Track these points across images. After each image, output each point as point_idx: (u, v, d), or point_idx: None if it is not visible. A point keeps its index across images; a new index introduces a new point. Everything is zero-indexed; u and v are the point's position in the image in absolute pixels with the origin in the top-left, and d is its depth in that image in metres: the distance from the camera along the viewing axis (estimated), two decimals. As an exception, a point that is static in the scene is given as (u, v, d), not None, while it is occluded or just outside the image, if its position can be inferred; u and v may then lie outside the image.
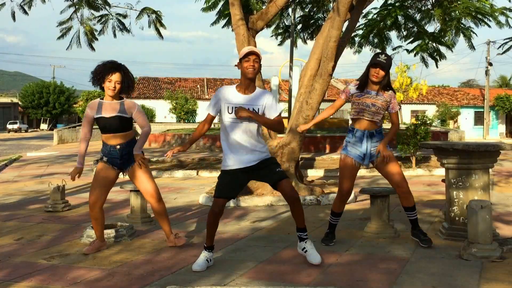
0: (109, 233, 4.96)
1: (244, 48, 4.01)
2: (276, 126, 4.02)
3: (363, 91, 4.53)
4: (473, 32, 9.09)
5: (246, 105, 3.92)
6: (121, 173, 4.71)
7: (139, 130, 4.74)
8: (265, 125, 3.97)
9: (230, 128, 3.95)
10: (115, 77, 4.47)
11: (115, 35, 10.91)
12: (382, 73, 4.42)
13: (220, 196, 3.97)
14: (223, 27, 10.24)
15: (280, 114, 4.03)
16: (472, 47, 9.44)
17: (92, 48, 10.85)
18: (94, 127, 4.75)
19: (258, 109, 3.95)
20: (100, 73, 4.48)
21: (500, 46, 9.77)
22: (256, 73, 3.95)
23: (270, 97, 4.04)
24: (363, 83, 4.54)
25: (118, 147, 4.57)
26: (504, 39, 9.40)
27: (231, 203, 6.91)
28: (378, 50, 10.17)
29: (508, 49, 9.07)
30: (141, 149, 4.65)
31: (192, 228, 5.59)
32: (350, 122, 4.72)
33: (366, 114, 4.50)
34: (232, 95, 3.97)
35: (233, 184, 4.00)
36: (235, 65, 4.04)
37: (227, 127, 3.97)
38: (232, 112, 3.92)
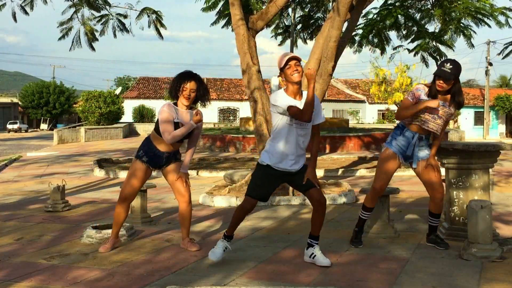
0: (109, 233, 4.95)
1: (280, 56, 3.94)
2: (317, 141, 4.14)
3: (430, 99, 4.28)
4: (473, 31, 9.10)
5: None
6: (154, 170, 4.71)
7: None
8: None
9: (289, 131, 3.91)
10: (191, 85, 4.41)
11: (115, 35, 10.92)
12: (445, 85, 4.18)
13: (256, 197, 4.01)
14: (223, 27, 10.25)
15: (320, 122, 4.07)
16: (471, 45, 9.44)
17: (93, 48, 10.86)
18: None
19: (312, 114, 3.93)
20: (177, 82, 4.45)
21: (500, 52, 9.79)
22: (302, 76, 3.92)
23: (319, 103, 4.07)
24: (434, 92, 4.27)
25: (166, 154, 4.56)
26: (505, 44, 9.42)
27: (232, 203, 6.91)
28: (378, 50, 10.16)
29: (508, 54, 9.09)
30: (188, 167, 4.65)
31: (192, 228, 5.58)
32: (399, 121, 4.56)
33: (430, 125, 4.32)
34: (289, 100, 3.89)
35: (270, 186, 4.03)
36: (278, 76, 4.02)
37: (285, 130, 3.92)
38: (292, 119, 3.88)
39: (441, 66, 4.19)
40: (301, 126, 3.92)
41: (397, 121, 4.58)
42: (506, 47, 9.45)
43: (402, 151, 4.44)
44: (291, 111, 3.82)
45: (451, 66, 4.14)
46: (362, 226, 4.70)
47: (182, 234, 4.72)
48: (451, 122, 44.01)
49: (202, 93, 4.51)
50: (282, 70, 3.91)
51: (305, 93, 3.97)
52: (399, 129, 4.48)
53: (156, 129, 4.51)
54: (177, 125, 4.43)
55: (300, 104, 3.88)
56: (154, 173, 4.90)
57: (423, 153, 4.43)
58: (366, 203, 4.65)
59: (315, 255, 4.03)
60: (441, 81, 4.18)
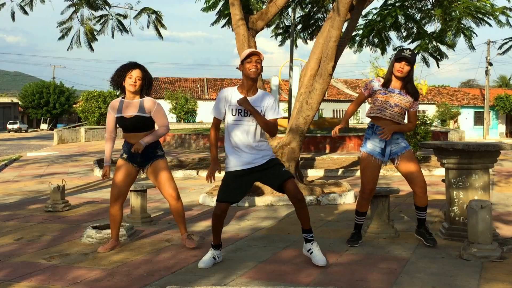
0: (109, 233, 4.95)
1: (245, 50, 4.01)
2: (271, 128, 3.97)
3: (387, 89, 4.46)
4: (474, 33, 9.10)
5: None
6: (140, 171, 4.72)
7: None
8: (260, 123, 3.93)
9: (233, 129, 3.96)
10: (136, 73, 4.48)
11: (113, 35, 10.90)
12: (407, 68, 4.36)
13: (222, 200, 3.97)
14: (223, 27, 10.24)
15: (276, 118, 4.02)
16: (472, 47, 9.44)
17: (92, 49, 10.85)
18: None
19: (260, 110, 3.96)
20: (120, 71, 4.49)
21: (500, 47, 9.77)
22: (259, 74, 3.96)
23: (272, 99, 4.04)
24: (388, 79, 4.46)
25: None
26: (504, 39, 9.40)
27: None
28: (378, 50, 10.18)
29: (508, 50, 9.08)
30: (146, 143, 4.52)
31: (192, 228, 5.58)
32: (369, 120, 4.65)
33: (387, 113, 4.44)
34: (235, 96, 3.97)
35: (237, 187, 3.99)
36: (237, 68, 4.04)
37: (230, 128, 3.98)
38: (235, 114, 3.94)
39: (401, 52, 4.39)
40: (243, 120, 3.93)
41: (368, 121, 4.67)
42: (505, 43, 9.43)
43: (379, 149, 4.50)
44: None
45: (410, 53, 4.37)
46: (359, 229, 4.73)
47: (181, 231, 4.74)
48: (451, 122, 44.11)
49: (147, 83, 4.58)
50: (242, 62, 3.94)
51: (259, 91, 4.03)
52: (370, 129, 4.57)
53: (121, 127, 4.62)
54: (120, 119, 4.53)
55: (252, 100, 3.93)
56: (143, 174, 4.89)
57: (399, 146, 4.49)
58: (359, 208, 4.69)
59: (312, 252, 4.01)
60: (403, 64, 4.35)
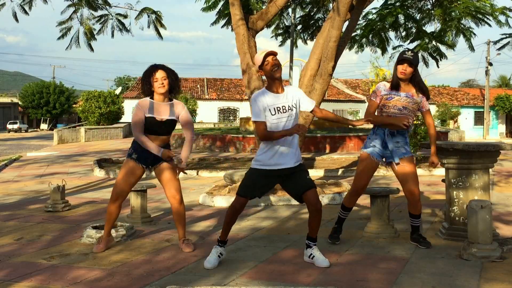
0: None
1: (257, 54, 3.99)
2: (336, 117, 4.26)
3: (394, 92, 4.44)
4: (473, 33, 9.10)
5: (287, 102, 3.94)
6: (147, 170, 4.68)
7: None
8: (338, 121, 4.25)
9: (275, 128, 3.93)
10: (159, 73, 4.43)
11: (113, 35, 10.89)
12: (410, 69, 4.36)
13: (246, 195, 3.99)
14: (223, 27, 10.23)
15: (313, 109, 4.08)
16: (471, 47, 9.44)
17: (91, 49, 10.84)
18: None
19: (296, 102, 3.99)
20: (145, 80, 4.45)
21: (496, 42, 9.75)
22: (281, 71, 3.95)
23: (301, 91, 4.12)
24: (395, 83, 4.44)
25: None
26: (501, 34, 9.39)
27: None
28: (378, 50, 10.18)
29: (504, 46, 9.07)
30: (188, 159, 4.55)
31: (192, 228, 5.58)
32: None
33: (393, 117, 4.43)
34: (270, 97, 3.94)
35: (262, 184, 4.02)
36: (257, 71, 4.05)
37: (272, 128, 3.94)
38: (275, 114, 3.91)
39: (403, 54, 4.39)
40: (283, 117, 3.92)
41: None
42: (502, 38, 9.42)
43: (378, 150, 4.52)
44: (255, 124, 3.96)
45: (412, 54, 4.37)
46: (341, 224, 4.81)
47: (179, 235, 4.71)
48: (451, 122, 44.12)
49: (174, 78, 4.53)
50: (261, 67, 3.94)
51: (286, 86, 4.04)
52: (373, 129, 4.61)
53: (146, 128, 4.51)
54: (149, 120, 4.42)
55: (282, 96, 3.94)
56: (150, 174, 4.87)
57: (400, 151, 4.50)
58: (346, 203, 4.76)
59: (313, 256, 4.04)
60: (405, 66, 4.34)
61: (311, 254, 4.06)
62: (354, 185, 4.67)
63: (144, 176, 4.91)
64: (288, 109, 3.94)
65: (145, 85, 4.47)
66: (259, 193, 4.06)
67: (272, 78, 3.92)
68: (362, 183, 4.60)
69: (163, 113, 4.46)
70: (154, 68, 4.47)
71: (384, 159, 4.56)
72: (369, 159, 4.53)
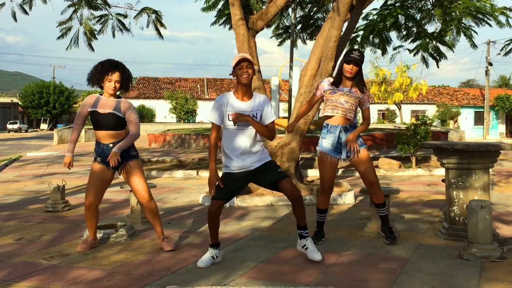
0: (109, 233, 4.96)
1: (235, 56, 4.06)
2: (269, 133, 4.06)
3: (337, 88, 4.61)
4: (474, 31, 9.09)
5: (246, 111, 4.00)
6: (116, 172, 4.72)
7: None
8: (258, 131, 4.02)
9: (233, 133, 4.02)
10: (115, 76, 4.49)
11: (114, 35, 10.89)
12: (355, 68, 4.52)
13: (218, 198, 4.05)
14: (222, 25, 10.23)
15: (273, 121, 4.10)
16: (474, 45, 9.43)
17: (92, 49, 10.84)
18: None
19: (257, 113, 4.04)
20: (99, 73, 4.49)
21: (502, 48, 9.78)
22: (251, 79, 4.01)
23: (267, 103, 4.13)
24: (338, 79, 4.62)
25: (110, 145, 4.56)
26: (506, 41, 9.40)
27: (232, 203, 6.91)
28: (378, 51, 10.19)
29: (509, 52, 9.08)
30: (121, 149, 4.49)
31: (192, 228, 5.59)
32: (320, 117, 4.79)
33: (339, 111, 4.58)
34: (232, 102, 4.03)
35: (232, 187, 4.08)
36: (230, 74, 4.11)
37: (229, 132, 4.04)
38: (232, 120, 3.98)
39: (350, 53, 4.54)
40: (240, 125, 4.00)
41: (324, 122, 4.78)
42: (507, 44, 9.43)
43: (334, 147, 4.63)
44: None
45: (359, 54, 4.53)
46: (321, 227, 4.88)
47: (157, 233, 4.71)
48: (451, 122, 44.11)
49: (126, 82, 4.59)
50: (234, 69, 4.01)
51: (254, 94, 4.10)
52: (325, 128, 4.71)
53: (93, 123, 4.60)
54: (93, 114, 4.53)
55: (246, 105, 4.01)
56: (119, 176, 4.89)
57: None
58: (319, 205, 4.85)
59: (307, 247, 4.09)
60: (352, 66, 4.50)
61: (305, 245, 4.11)
62: (321, 186, 4.78)
63: (120, 177, 4.93)
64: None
65: (97, 79, 4.51)
66: (231, 195, 4.13)
67: (240, 83, 3.99)
68: (327, 183, 4.71)
69: (106, 108, 4.52)
70: (112, 68, 4.50)
71: (341, 155, 4.64)
72: (327, 158, 4.64)
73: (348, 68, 4.52)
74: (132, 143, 4.62)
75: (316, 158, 13.80)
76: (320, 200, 4.83)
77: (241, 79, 3.96)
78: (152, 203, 4.68)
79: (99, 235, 4.91)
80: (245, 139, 4.01)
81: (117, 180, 10.32)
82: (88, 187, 4.63)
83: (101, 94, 4.62)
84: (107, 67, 4.49)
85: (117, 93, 4.62)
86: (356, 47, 10.19)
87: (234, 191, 4.12)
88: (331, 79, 4.69)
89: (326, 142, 4.65)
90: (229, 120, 4.00)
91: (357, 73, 4.56)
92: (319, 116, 4.83)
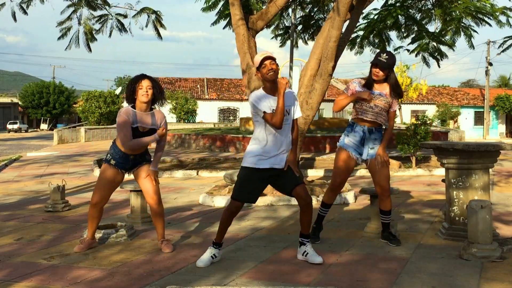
0: (109, 233, 4.96)
1: (256, 56, 4.08)
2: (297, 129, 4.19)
3: (369, 90, 4.51)
4: (474, 31, 9.09)
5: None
6: (126, 173, 4.73)
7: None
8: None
9: (271, 130, 3.99)
10: (145, 82, 4.45)
11: (110, 35, 10.88)
12: (381, 73, 4.43)
13: (241, 199, 4.05)
14: (224, 27, 10.23)
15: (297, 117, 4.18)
16: (472, 46, 9.43)
17: (90, 49, 10.83)
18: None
19: (289, 108, 4.06)
20: (131, 85, 4.47)
21: (500, 46, 9.77)
22: (277, 75, 4.01)
23: (296, 99, 4.19)
24: (369, 82, 4.53)
25: (132, 157, 4.58)
26: (504, 38, 9.39)
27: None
28: (378, 51, 10.17)
29: (507, 48, 9.07)
30: (158, 165, 4.66)
31: (192, 228, 5.59)
32: (350, 118, 4.74)
33: (368, 115, 4.51)
34: (265, 98, 4.00)
35: (257, 187, 4.07)
36: (255, 75, 4.11)
37: (267, 129, 4.00)
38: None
39: (378, 56, 4.45)
40: (285, 124, 3.99)
41: (350, 119, 4.68)
42: (505, 41, 9.43)
43: (356, 147, 4.58)
44: (265, 118, 3.95)
45: (387, 57, 4.42)
46: (320, 222, 4.85)
47: (158, 235, 4.71)
48: (451, 122, 44.10)
49: (159, 91, 4.56)
50: (258, 69, 4.01)
51: (286, 91, 4.07)
52: (350, 126, 4.66)
53: None
54: (135, 130, 4.45)
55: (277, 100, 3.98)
56: (129, 176, 4.90)
57: (376, 149, 4.56)
58: (326, 200, 4.81)
59: (307, 253, 4.10)
60: (377, 70, 4.41)
61: (305, 251, 4.12)
62: (332, 181, 4.73)
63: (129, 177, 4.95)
64: (285, 113, 4.00)
65: (129, 92, 4.49)
66: (253, 196, 4.10)
67: (268, 80, 3.99)
68: (340, 179, 4.67)
69: (145, 123, 4.50)
70: (141, 77, 4.51)
71: (360, 155, 4.60)
72: (347, 156, 4.59)
73: (375, 71, 4.44)
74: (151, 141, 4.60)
75: (316, 158, 13.79)
76: (328, 195, 4.78)
77: (268, 77, 3.95)
78: (161, 206, 4.68)
79: (98, 235, 4.91)
80: (282, 136, 4.00)
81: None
82: (97, 188, 4.63)
83: (132, 107, 4.49)
84: (136, 77, 4.50)
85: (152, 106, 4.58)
86: (356, 47, 10.20)
87: (256, 191, 4.09)
88: (362, 81, 4.59)
89: (348, 139, 4.59)
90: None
91: (387, 76, 4.46)
92: (351, 119, 4.72)
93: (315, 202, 7.00)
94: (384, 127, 4.61)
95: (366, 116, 4.51)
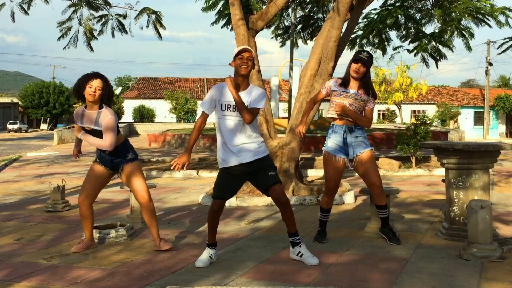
0: (109, 233, 4.96)
1: (237, 47, 4.05)
2: (248, 111, 3.89)
3: (344, 89, 4.58)
4: (471, 34, 9.10)
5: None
6: (115, 174, 4.75)
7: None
8: (237, 104, 3.88)
9: (224, 125, 3.98)
10: (96, 82, 4.44)
11: (113, 35, 10.89)
12: (363, 69, 4.50)
13: (218, 197, 4.05)
14: (223, 27, 10.23)
15: (257, 108, 3.96)
16: (469, 48, 9.43)
17: (91, 49, 10.84)
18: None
19: (248, 103, 3.96)
20: (81, 81, 4.46)
21: (499, 46, 9.77)
22: (249, 71, 3.98)
23: (259, 91, 4.04)
24: (346, 80, 4.60)
25: (107, 152, 4.59)
26: (504, 39, 9.39)
27: (232, 203, 6.91)
28: (378, 51, 10.19)
29: (507, 49, 9.06)
30: (80, 144, 4.81)
31: (192, 228, 5.59)
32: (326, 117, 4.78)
33: (343, 113, 4.57)
34: (226, 93, 4.00)
35: (230, 184, 4.06)
36: (229, 64, 4.10)
37: (221, 124, 4.00)
38: (225, 109, 3.97)
39: (359, 54, 4.53)
40: (232, 115, 3.95)
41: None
42: (504, 42, 9.43)
43: (339, 147, 4.61)
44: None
45: (368, 55, 4.51)
46: (324, 226, 4.89)
47: (153, 235, 4.68)
48: (451, 122, 44.09)
49: (107, 96, 4.53)
50: (234, 58, 3.99)
51: (250, 86, 4.06)
52: (330, 128, 4.70)
53: None
54: (84, 129, 4.55)
55: (242, 95, 3.95)
56: (119, 177, 4.91)
57: (359, 146, 4.60)
58: (323, 205, 4.84)
59: (302, 254, 4.08)
60: (359, 66, 4.48)
61: (299, 252, 4.09)
62: (326, 186, 4.77)
63: (119, 180, 4.96)
64: (232, 108, 3.95)
65: (78, 87, 4.47)
66: (230, 192, 4.08)
67: (238, 73, 3.98)
68: (332, 183, 4.69)
69: (88, 122, 4.52)
70: (94, 76, 4.49)
71: (346, 155, 4.61)
72: (332, 158, 4.61)
73: (355, 68, 4.50)
74: (94, 145, 4.58)
75: (316, 158, 13.80)
76: (324, 200, 4.81)
77: (240, 69, 3.94)
78: (151, 204, 4.68)
79: (98, 235, 4.91)
80: (237, 131, 3.94)
81: (117, 180, 10.32)
82: (84, 185, 4.68)
83: (85, 107, 4.55)
84: (89, 75, 4.49)
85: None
86: (356, 47, 10.20)
87: (232, 189, 4.08)
88: (339, 80, 4.66)
89: (331, 142, 4.63)
90: (221, 110, 3.94)
91: (364, 74, 4.53)
92: (325, 116, 4.84)
93: (315, 202, 7.01)
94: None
95: (341, 114, 4.56)
